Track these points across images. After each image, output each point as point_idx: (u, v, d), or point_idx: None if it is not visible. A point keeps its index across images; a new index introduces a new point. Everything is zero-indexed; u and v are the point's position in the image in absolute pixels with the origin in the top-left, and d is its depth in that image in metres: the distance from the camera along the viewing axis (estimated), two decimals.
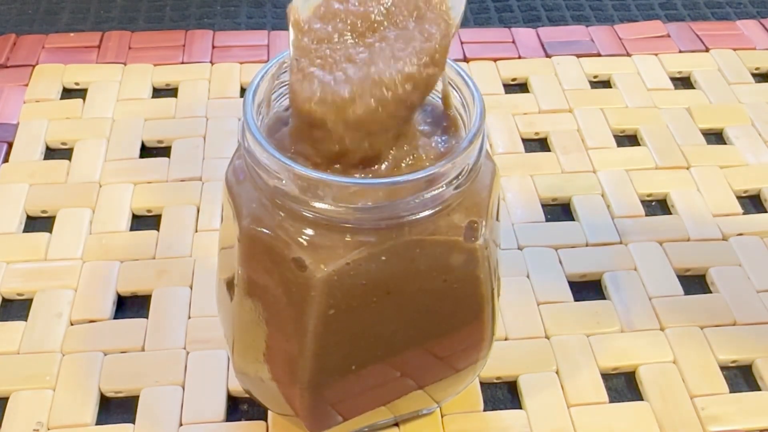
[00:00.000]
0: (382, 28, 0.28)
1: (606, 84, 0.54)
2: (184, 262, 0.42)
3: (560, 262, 0.42)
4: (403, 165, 0.28)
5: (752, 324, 0.40)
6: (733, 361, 0.39)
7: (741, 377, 0.38)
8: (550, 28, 0.58)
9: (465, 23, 0.58)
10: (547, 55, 0.55)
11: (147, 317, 0.39)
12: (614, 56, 0.56)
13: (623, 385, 0.38)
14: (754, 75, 0.55)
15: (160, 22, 0.58)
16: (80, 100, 0.51)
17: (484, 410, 0.37)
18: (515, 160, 0.48)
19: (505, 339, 0.39)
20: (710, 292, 0.42)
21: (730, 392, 0.37)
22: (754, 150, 0.49)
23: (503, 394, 0.37)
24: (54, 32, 0.56)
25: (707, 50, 0.56)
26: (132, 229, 0.44)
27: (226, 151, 0.48)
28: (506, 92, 0.53)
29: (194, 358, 0.38)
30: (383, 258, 0.27)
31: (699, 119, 0.51)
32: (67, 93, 0.52)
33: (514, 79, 0.54)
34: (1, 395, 0.37)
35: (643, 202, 0.46)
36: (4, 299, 0.41)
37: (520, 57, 0.55)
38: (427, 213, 0.27)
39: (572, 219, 0.45)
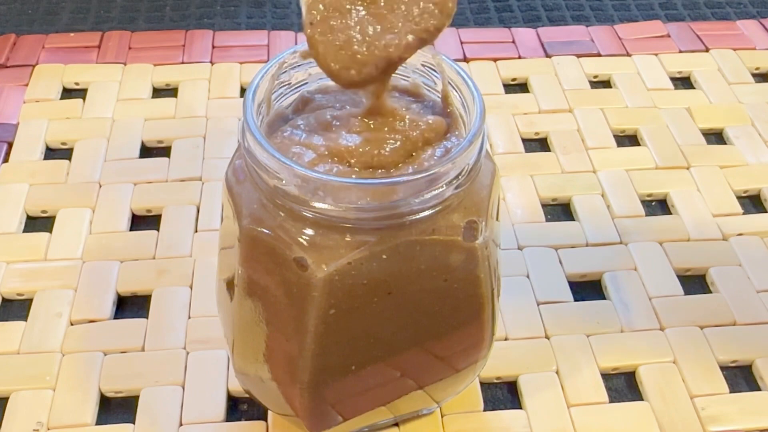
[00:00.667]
0: None
1: (606, 84, 0.54)
2: (184, 262, 0.42)
3: (560, 262, 0.42)
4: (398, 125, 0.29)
5: (752, 324, 0.40)
6: (733, 361, 0.39)
7: (741, 377, 0.38)
8: (550, 28, 0.58)
9: (465, 23, 0.58)
10: (547, 55, 0.55)
11: (147, 317, 0.39)
12: (614, 56, 0.56)
13: (623, 385, 0.38)
14: (754, 75, 0.55)
15: (160, 22, 0.58)
16: (80, 100, 0.51)
17: (484, 410, 0.37)
18: (515, 160, 0.48)
19: (505, 339, 0.39)
20: (710, 292, 0.42)
21: (730, 392, 0.37)
22: (754, 150, 0.49)
23: (503, 394, 0.37)
24: (54, 32, 0.56)
25: (707, 50, 0.56)
26: (132, 229, 0.44)
27: (226, 151, 0.48)
28: (506, 92, 0.53)
29: (194, 358, 0.38)
30: (384, 257, 0.27)
31: (699, 119, 0.51)
32: (67, 93, 0.52)
33: (514, 79, 0.54)
34: (1, 395, 0.37)
35: (643, 202, 0.46)
36: (4, 299, 0.41)
37: (520, 57, 0.55)
38: (427, 213, 0.27)
39: (572, 219, 0.45)
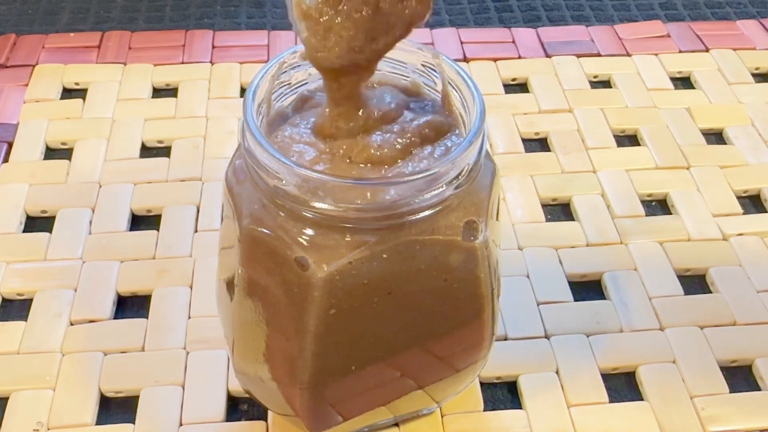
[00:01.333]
0: None
1: (606, 84, 0.54)
2: (184, 262, 0.42)
3: (560, 262, 0.42)
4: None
5: (752, 324, 0.40)
6: (733, 361, 0.39)
7: (741, 377, 0.38)
8: (550, 28, 0.58)
9: (465, 23, 0.58)
10: (547, 55, 0.55)
11: (147, 317, 0.39)
12: (614, 56, 0.56)
13: (623, 385, 0.38)
14: (754, 75, 0.55)
15: (160, 22, 0.58)
16: (80, 100, 0.51)
17: (484, 410, 0.37)
18: (515, 160, 0.48)
19: (505, 339, 0.39)
20: (710, 292, 0.42)
21: (730, 392, 0.37)
22: (754, 150, 0.49)
23: (503, 394, 0.37)
24: (54, 32, 0.56)
25: (707, 50, 0.56)
26: (132, 229, 0.44)
27: (226, 151, 0.48)
28: (506, 92, 0.53)
29: (194, 358, 0.38)
30: (384, 257, 0.27)
31: (699, 119, 0.51)
32: (67, 93, 0.52)
33: (514, 79, 0.54)
34: (1, 395, 0.37)
35: (643, 202, 0.46)
36: (4, 299, 0.41)
37: (520, 57, 0.55)
38: (427, 213, 0.27)
39: (572, 219, 0.45)
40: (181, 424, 0.36)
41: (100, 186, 0.46)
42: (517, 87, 0.54)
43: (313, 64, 0.28)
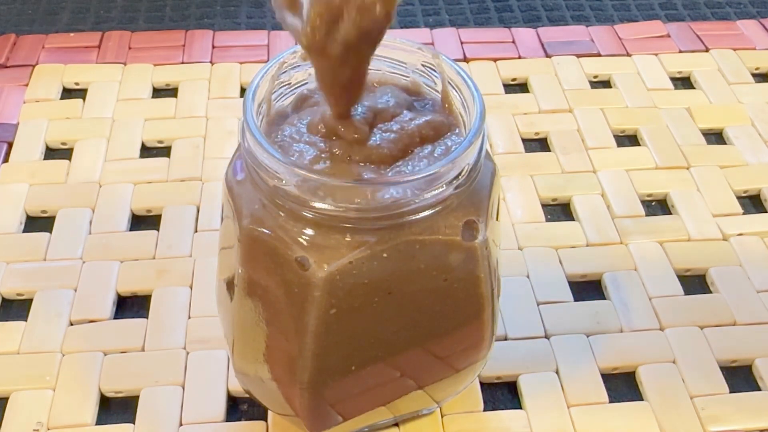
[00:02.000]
0: None
1: (606, 84, 0.54)
2: (184, 262, 0.42)
3: (560, 262, 0.42)
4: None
5: (752, 324, 0.40)
6: (733, 361, 0.39)
7: (741, 377, 0.38)
8: (550, 28, 0.58)
9: (465, 23, 0.58)
10: (547, 55, 0.55)
11: (147, 317, 0.39)
12: (614, 56, 0.56)
13: (623, 385, 0.38)
14: (754, 75, 0.55)
15: (160, 22, 0.58)
16: (80, 100, 0.51)
17: (484, 410, 0.37)
18: (515, 160, 0.48)
19: (505, 339, 0.39)
20: (710, 292, 0.42)
21: (730, 392, 0.37)
22: (754, 150, 0.49)
23: (503, 394, 0.37)
24: (54, 32, 0.56)
25: (707, 50, 0.56)
26: (132, 229, 0.44)
27: (226, 151, 0.48)
28: (506, 92, 0.53)
29: (194, 358, 0.38)
30: (384, 257, 0.27)
31: (699, 119, 0.51)
32: (67, 93, 0.52)
33: (514, 79, 0.54)
34: (1, 395, 0.37)
35: (643, 202, 0.46)
36: (4, 299, 0.41)
37: (520, 57, 0.55)
38: (427, 213, 0.27)
39: (572, 219, 0.45)
40: (181, 424, 0.36)
41: (100, 186, 0.46)
42: (517, 87, 0.54)
43: (306, 49, 0.28)
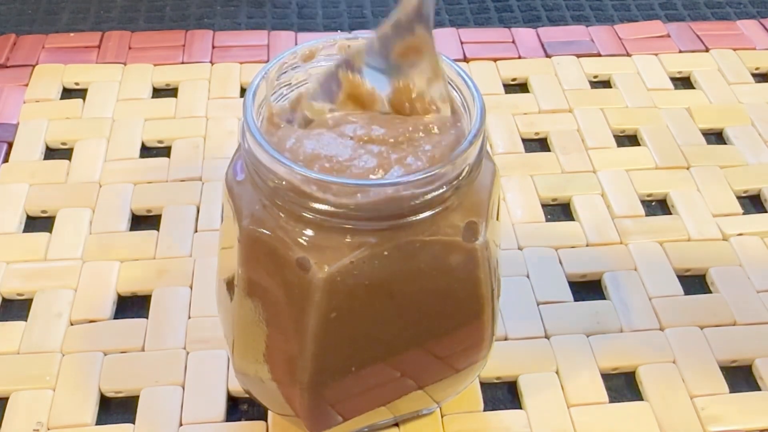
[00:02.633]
0: None
1: (606, 84, 0.54)
2: (184, 262, 0.42)
3: (560, 262, 0.42)
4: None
5: (752, 324, 0.40)
6: (733, 361, 0.39)
7: (741, 377, 0.38)
8: (550, 28, 0.58)
9: (465, 23, 0.58)
10: (547, 55, 0.55)
11: (147, 317, 0.39)
12: (614, 56, 0.56)
13: (623, 385, 0.38)
14: (754, 75, 0.55)
15: (160, 22, 0.58)
16: (80, 100, 0.51)
17: (484, 410, 0.37)
18: (515, 160, 0.48)
19: (505, 339, 0.39)
20: (710, 292, 0.42)
21: (730, 392, 0.37)
22: (754, 150, 0.49)
23: (503, 394, 0.37)
24: (54, 32, 0.56)
25: (707, 50, 0.56)
26: (132, 229, 0.44)
27: (226, 151, 0.48)
28: (506, 92, 0.53)
29: (194, 358, 0.38)
30: (385, 258, 0.27)
31: (699, 119, 0.51)
32: (67, 93, 0.52)
33: (514, 79, 0.54)
34: (1, 395, 0.37)
35: (643, 202, 0.46)
36: (4, 299, 0.41)
37: (520, 57, 0.55)
38: (427, 213, 0.27)
39: (572, 219, 0.45)
40: (181, 424, 0.36)
41: (100, 186, 0.46)
42: (517, 87, 0.54)
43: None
